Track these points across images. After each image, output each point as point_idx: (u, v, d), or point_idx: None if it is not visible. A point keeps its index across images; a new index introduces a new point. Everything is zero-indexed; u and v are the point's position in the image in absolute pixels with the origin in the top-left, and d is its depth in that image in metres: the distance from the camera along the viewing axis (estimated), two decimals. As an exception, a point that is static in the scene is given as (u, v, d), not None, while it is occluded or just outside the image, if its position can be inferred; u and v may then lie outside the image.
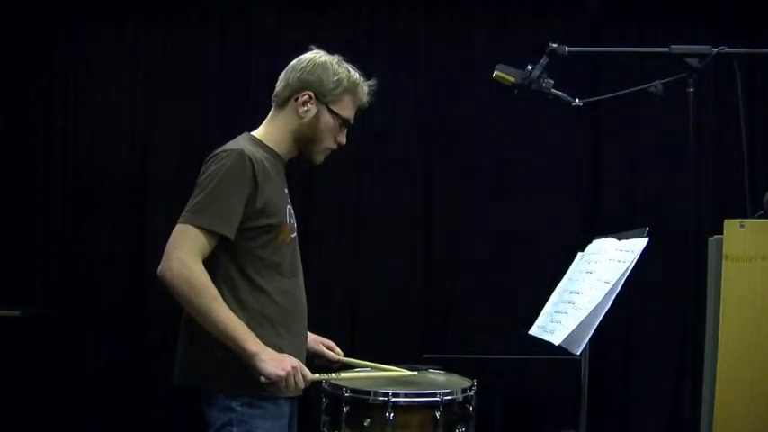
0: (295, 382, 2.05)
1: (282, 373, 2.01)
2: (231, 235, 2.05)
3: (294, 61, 2.26)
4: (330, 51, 2.29)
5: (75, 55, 4.56)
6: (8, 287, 4.37)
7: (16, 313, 4.05)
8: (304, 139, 2.25)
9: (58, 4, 4.53)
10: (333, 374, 2.28)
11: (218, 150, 2.14)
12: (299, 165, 2.32)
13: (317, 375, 2.17)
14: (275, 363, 2.01)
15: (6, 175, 4.53)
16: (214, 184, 2.06)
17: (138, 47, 4.52)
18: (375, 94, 2.31)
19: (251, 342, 2.00)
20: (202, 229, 2.01)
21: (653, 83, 2.26)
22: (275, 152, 2.23)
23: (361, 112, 2.31)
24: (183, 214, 2.05)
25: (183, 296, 1.98)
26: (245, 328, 2.02)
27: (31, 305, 4.39)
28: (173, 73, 4.50)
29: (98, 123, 4.54)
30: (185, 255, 1.98)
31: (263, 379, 2.02)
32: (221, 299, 2.01)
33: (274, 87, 2.29)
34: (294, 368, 2.04)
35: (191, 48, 4.51)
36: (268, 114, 2.33)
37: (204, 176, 2.10)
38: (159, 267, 2.00)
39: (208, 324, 2.00)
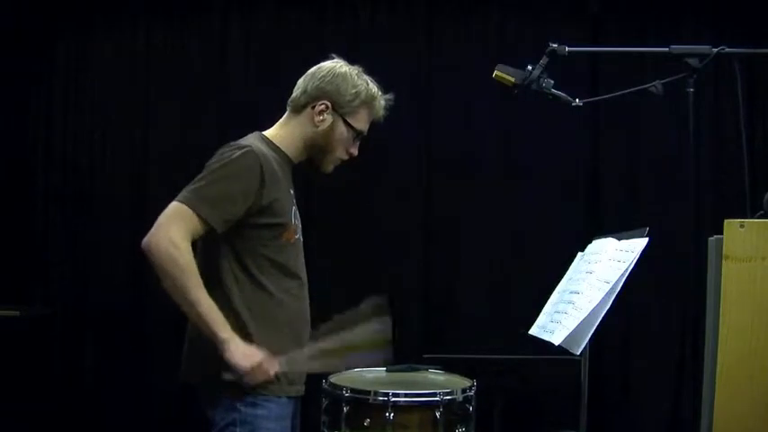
0: (261, 376, 2.03)
1: (248, 365, 2.00)
2: (219, 227, 2.04)
3: (314, 68, 2.26)
4: (330, 51, 2.28)
5: (75, 55, 4.56)
6: (8, 287, 4.37)
7: (16, 313, 4.05)
8: (316, 147, 2.25)
9: (59, 5, 4.53)
10: (305, 357, 2.14)
11: (229, 144, 2.14)
12: (300, 165, 2.31)
13: (285, 365, 2.09)
14: (244, 354, 2.01)
15: (6, 175, 4.53)
16: (219, 174, 2.06)
17: (138, 47, 4.52)
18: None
19: (224, 329, 2.00)
20: (195, 212, 2.01)
21: (653, 83, 2.26)
22: (285, 154, 2.23)
23: (364, 140, 2.31)
24: (181, 194, 2.05)
25: (164, 271, 1.97)
26: (221, 314, 2.01)
27: (31, 305, 4.39)
28: (172, 73, 4.50)
29: (98, 123, 4.54)
30: (175, 232, 1.98)
31: (226, 376, 2.00)
32: (201, 282, 2.00)
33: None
34: (261, 362, 2.02)
35: (190, 48, 4.51)
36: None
37: (210, 165, 2.10)
38: (145, 239, 1.99)
39: (184, 304, 1.99)
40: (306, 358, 2.16)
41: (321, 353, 2.17)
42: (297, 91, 2.26)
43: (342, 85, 2.21)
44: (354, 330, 2.19)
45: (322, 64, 2.26)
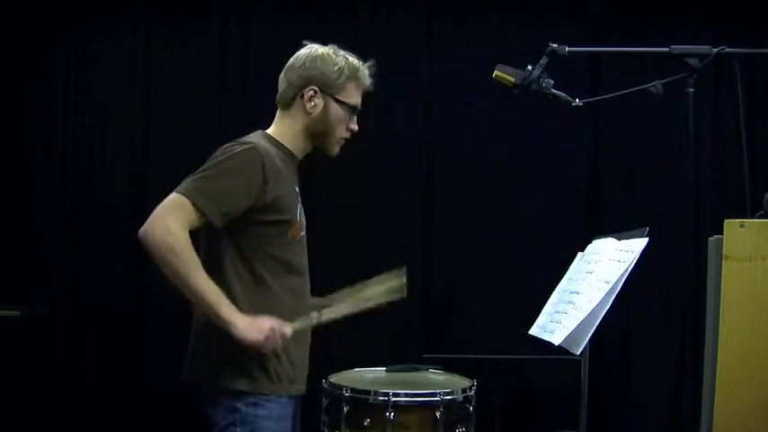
0: (278, 341, 2.03)
1: (261, 336, 2.00)
2: (216, 220, 2.03)
3: (291, 60, 2.26)
4: (304, 42, 2.28)
5: (75, 55, 4.56)
6: (8, 287, 4.37)
7: (16, 313, 4.05)
8: (317, 134, 2.25)
9: (59, 5, 4.53)
10: (315, 314, 2.15)
11: (232, 141, 2.14)
12: (303, 162, 2.31)
13: (297, 323, 2.10)
14: (252, 328, 2.00)
15: (6, 175, 4.53)
16: (220, 168, 2.06)
17: (138, 47, 4.53)
18: (376, 76, 2.29)
19: (227, 310, 1.99)
20: (193, 203, 2.01)
21: (653, 83, 2.26)
22: (288, 150, 2.23)
23: (361, 113, 2.30)
24: (181, 185, 2.05)
25: (162, 259, 1.96)
26: (224, 297, 2.01)
27: (31, 305, 4.39)
28: (172, 73, 4.50)
29: (98, 123, 4.54)
30: (172, 221, 1.97)
31: (250, 351, 2.00)
32: (201, 266, 2.00)
33: (275, 87, 2.29)
34: (272, 328, 2.02)
35: (190, 48, 4.51)
36: (269, 114, 2.33)
37: (212, 159, 2.10)
38: (142, 228, 1.98)
39: (185, 290, 1.98)
40: (315, 317, 2.16)
41: (330, 310, 2.18)
42: (281, 86, 2.26)
43: (323, 67, 2.20)
44: (367, 284, 2.22)
45: (297, 53, 2.26)
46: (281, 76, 2.26)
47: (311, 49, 2.25)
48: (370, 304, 2.21)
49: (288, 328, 2.06)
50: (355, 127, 2.28)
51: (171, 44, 4.53)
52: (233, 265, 2.10)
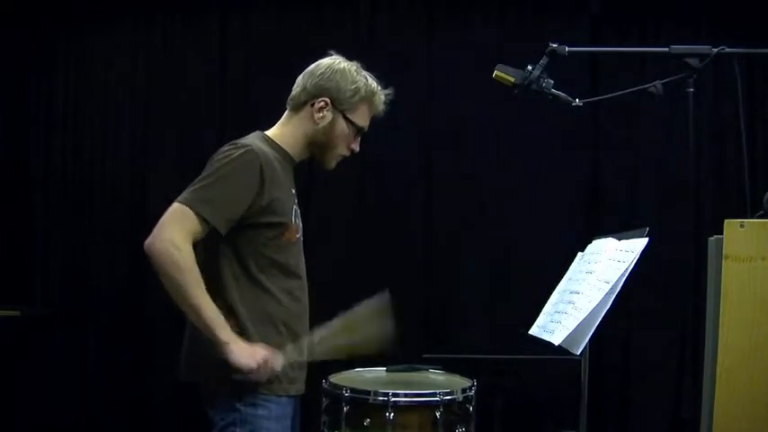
0: (268, 372, 2.04)
1: (254, 363, 2.01)
2: (222, 229, 2.04)
3: (312, 66, 2.26)
4: (330, 51, 2.28)
5: (76, 55, 4.56)
6: (8, 287, 4.37)
7: (16, 313, 4.05)
8: (317, 145, 2.25)
9: (59, 4, 4.53)
10: (306, 343, 2.15)
11: (229, 143, 2.14)
12: (300, 164, 2.32)
13: (289, 355, 2.11)
14: (246, 353, 2.01)
15: (6, 175, 4.53)
16: (219, 174, 2.06)
17: (138, 47, 4.53)
18: (390, 103, 2.30)
19: (224, 332, 2.00)
20: (196, 213, 2.01)
21: (653, 83, 2.27)
22: (286, 153, 2.23)
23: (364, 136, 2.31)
24: (183, 195, 2.04)
25: (166, 274, 1.97)
26: (222, 318, 2.01)
27: (31, 305, 4.39)
28: (172, 73, 4.50)
29: (98, 123, 4.54)
30: (176, 234, 1.97)
31: (236, 377, 2.01)
32: (203, 285, 2.00)
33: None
34: (265, 359, 2.03)
35: (190, 48, 4.51)
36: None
37: (211, 166, 2.10)
38: (147, 240, 1.98)
39: (185, 306, 1.99)
40: (309, 347, 2.16)
41: (323, 339, 2.17)
42: (296, 89, 2.26)
43: (341, 82, 2.20)
44: (355, 311, 2.22)
45: (320, 61, 2.26)
46: (299, 77, 2.27)
47: (335, 60, 2.25)
48: (361, 333, 2.21)
49: (279, 362, 2.07)
50: (357, 148, 2.29)
51: (171, 44, 4.53)
52: (229, 267, 2.10)
